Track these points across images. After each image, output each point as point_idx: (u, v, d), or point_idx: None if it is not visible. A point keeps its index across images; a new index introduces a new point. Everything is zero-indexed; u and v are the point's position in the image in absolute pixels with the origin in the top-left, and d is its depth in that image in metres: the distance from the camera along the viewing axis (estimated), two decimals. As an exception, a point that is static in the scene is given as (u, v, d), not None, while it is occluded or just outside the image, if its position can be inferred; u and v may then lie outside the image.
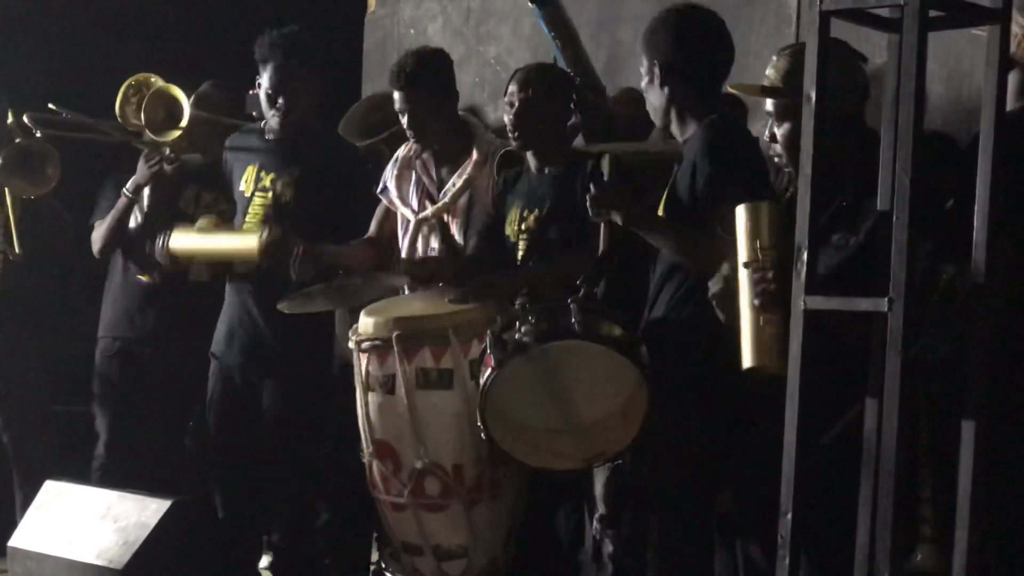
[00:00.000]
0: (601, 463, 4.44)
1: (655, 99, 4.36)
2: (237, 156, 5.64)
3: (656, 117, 4.41)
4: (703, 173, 4.15)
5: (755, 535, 4.13)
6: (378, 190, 5.44)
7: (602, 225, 4.33)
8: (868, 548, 3.36)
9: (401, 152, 5.42)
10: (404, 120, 5.20)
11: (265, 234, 5.33)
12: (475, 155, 5.23)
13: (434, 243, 5.23)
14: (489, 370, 4.19)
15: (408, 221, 5.31)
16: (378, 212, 5.49)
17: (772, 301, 3.62)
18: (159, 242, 5.64)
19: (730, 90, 4.25)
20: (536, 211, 4.92)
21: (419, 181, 5.33)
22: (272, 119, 5.51)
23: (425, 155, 5.33)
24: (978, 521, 3.34)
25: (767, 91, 4.01)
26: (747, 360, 3.69)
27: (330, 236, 5.39)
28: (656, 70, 4.32)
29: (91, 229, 6.09)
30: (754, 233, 3.71)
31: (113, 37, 7.24)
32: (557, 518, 4.98)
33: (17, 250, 6.05)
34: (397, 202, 5.35)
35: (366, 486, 4.82)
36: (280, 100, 5.44)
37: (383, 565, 5.89)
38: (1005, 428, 3.60)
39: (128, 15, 7.45)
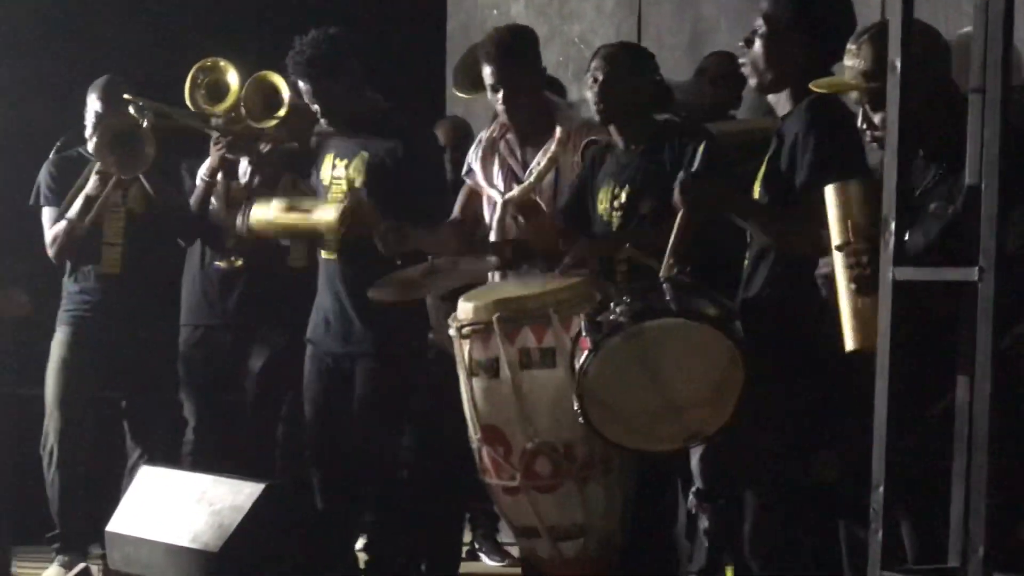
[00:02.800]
0: (699, 443, 4.41)
1: (762, 62, 4.31)
2: (321, 145, 5.69)
3: (756, 78, 4.35)
4: (806, 151, 4.10)
5: (858, 510, 4.08)
6: (463, 172, 5.45)
7: (681, 213, 4.29)
8: (963, 523, 3.32)
9: (484, 134, 5.43)
10: (497, 95, 5.20)
11: (345, 203, 5.34)
12: (558, 132, 5.22)
13: (522, 223, 5.23)
14: (585, 353, 4.16)
15: (495, 202, 5.32)
16: (462, 194, 5.50)
17: (868, 283, 3.58)
18: (239, 218, 5.67)
19: (815, 88, 4.19)
20: (627, 187, 4.90)
21: (504, 162, 5.34)
22: (322, 121, 5.58)
23: (509, 135, 5.33)
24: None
25: (867, 77, 3.94)
26: (849, 343, 3.65)
27: (406, 217, 5.37)
28: (771, 32, 4.27)
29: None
30: (845, 213, 3.66)
31: (191, 26, 7.29)
32: (663, 492, 4.97)
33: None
34: (483, 183, 5.36)
35: (454, 469, 4.81)
36: (316, 108, 5.50)
37: (476, 546, 5.93)
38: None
39: (206, 5, 7.50)
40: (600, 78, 4.90)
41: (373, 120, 5.56)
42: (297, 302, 5.80)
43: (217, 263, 6.08)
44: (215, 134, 5.89)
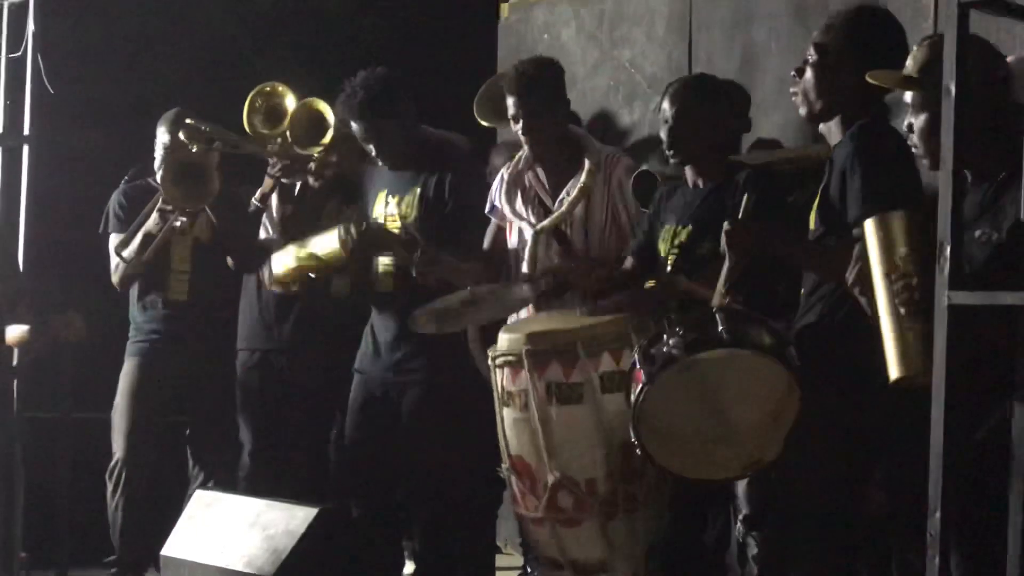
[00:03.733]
0: (758, 470, 4.40)
1: (813, 91, 4.30)
2: (372, 182, 5.74)
3: (806, 107, 4.34)
4: (853, 182, 4.09)
5: (911, 537, 4.06)
6: (486, 210, 5.48)
7: (729, 256, 4.28)
8: (1020, 553, 3.30)
9: (506, 170, 5.45)
10: (518, 126, 5.23)
11: (341, 231, 5.38)
12: (587, 164, 5.24)
13: (553, 254, 5.25)
14: (640, 385, 4.16)
15: (524, 234, 5.34)
16: (490, 230, 5.52)
17: (918, 309, 3.56)
18: (265, 274, 5.76)
19: (871, 79, 4.17)
20: (689, 227, 4.87)
21: (532, 193, 5.36)
22: (376, 160, 5.64)
23: (537, 167, 5.36)
24: None
25: (907, 81, 3.95)
26: (894, 371, 3.63)
27: (446, 246, 5.43)
28: (822, 61, 4.26)
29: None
30: (888, 244, 3.65)
31: (253, 54, 7.35)
32: (706, 525, 4.96)
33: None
34: (511, 217, 5.38)
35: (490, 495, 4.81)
36: (371, 147, 5.56)
37: (528, 570, 5.93)
38: None
39: (264, 28, 7.56)
40: (669, 120, 4.86)
41: (425, 154, 5.60)
42: (349, 328, 5.83)
43: (272, 288, 6.12)
44: (272, 159, 5.95)
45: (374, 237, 5.49)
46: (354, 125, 5.60)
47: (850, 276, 3.86)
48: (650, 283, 4.83)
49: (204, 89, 6.88)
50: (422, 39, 7.54)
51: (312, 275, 5.79)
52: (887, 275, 3.63)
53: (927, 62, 3.87)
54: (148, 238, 6.12)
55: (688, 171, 4.95)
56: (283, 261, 5.73)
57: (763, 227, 4.33)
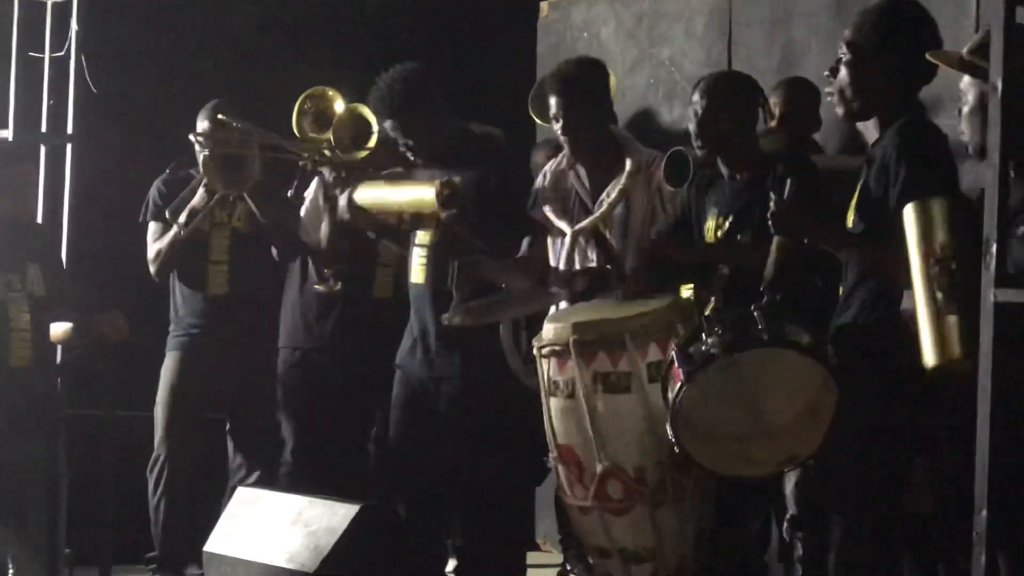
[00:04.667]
0: (793, 467, 4.40)
1: (849, 90, 4.28)
2: (408, 177, 5.74)
3: (843, 107, 4.33)
4: (898, 178, 4.07)
5: (957, 537, 4.05)
6: (529, 207, 5.48)
7: (776, 240, 4.28)
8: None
9: (550, 167, 5.46)
10: (558, 126, 5.24)
11: (439, 184, 5.38)
12: (629, 165, 5.25)
13: (591, 255, 5.25)
14: (679, 384, 4.16)
15: (564, 234, 5.34)
16: (532, 228, 5.51)
17: (956, 295, 3.56)
18: (343, 198, 5.73)
19: (930, 58, 4.14)
20: (731, 217, 4.88)
21: (573, 193, 5.36)
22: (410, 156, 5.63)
23: (579, 167, 5.37)
24: None
25: (961, 64, 3.92)
26: (930, 358, 3.63)
27: (485, 244, 5.42)
28: (856, 59, 4.25)
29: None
30: (927, 230, 3.64)
31: (293, 53, 7.38)
32: (747, 518, 4.96)
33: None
34: (551, 216, 5.38)
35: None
36: (407, 143, 5.56)
37: (568, 567, 5.94)
38: None
39: (303, 28, 7.58)
40: (700, 112, 4.89)
41: (461, 151, 5.61)
42: (390, 326, 5.85)
43: (316, 286, 6.14)
44: (307, 163, 5.97)
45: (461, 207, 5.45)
46: (387, 123, 5.61)
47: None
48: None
49: (243, 89, 6.90)
50: (461, 37, 7.55)
51: (381, 220, 5.77)
52: (925, 260, 3.62)
53: (978, 46, 3.85)
54: (194, 212, 6.15)
55: (722, 165, 4.95)
56: (366, 194, 5.70)
57: (809, 211, 4.32)
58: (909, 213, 3.69)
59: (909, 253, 3.68)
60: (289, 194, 6.08)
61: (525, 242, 5.53)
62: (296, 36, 7.52)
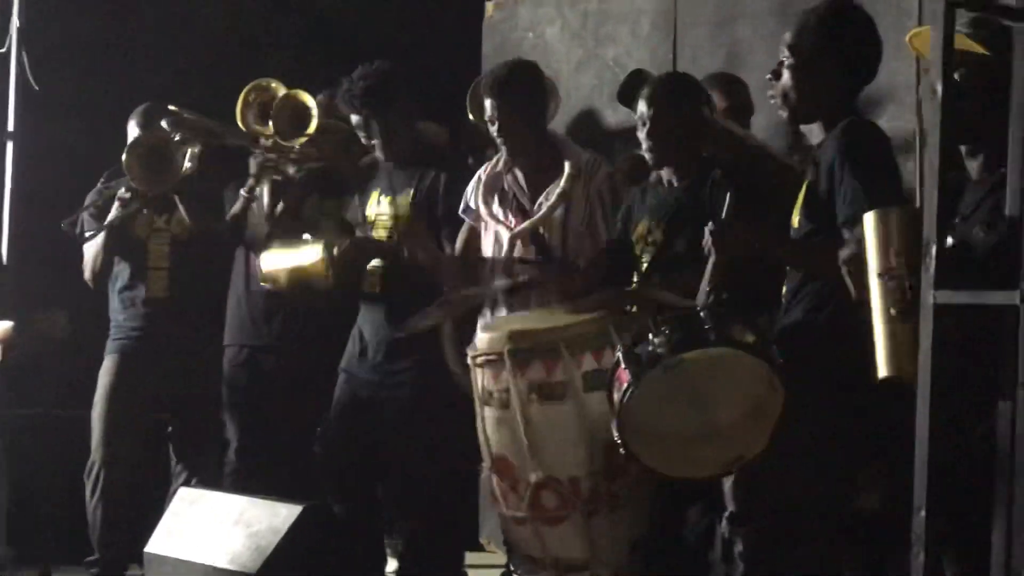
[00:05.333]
0: (741, 467, 4.41)
1: (793, 93, 4.30)
2: (373, 181, 5.74)
3: (787, 110, 4.35)
4: (842, 179, 4.09)
5: (901, 535, 4.07)
6: (460, 210, 5.48)
7: (714, 255, 4.29)
8: (1005, 549, 3.31)
9: (484, 171, 5.45)
10: (494, 128, 5.26)
11: (324, 250, 5.39)
12: (568, 168, 5.24)
13: (529, 257, 5.25)
14: (625, 385, 4.17)
15: (502, 236, 5.34)
16: (462, 233, 5.52)
17: (909, 310, 3.57)
18: (257, 268, 5.76)
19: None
20: (664, 224, 4.89)
21: (511, 196, 5.36)
22: (377, 154, 5.63)
23: (516, 170, 5.36)
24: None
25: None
26: (883, 369, 3.64)
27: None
28: (799, 62, 4.27)
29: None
30: (886, 241, 3.65)
31: (236, 52, 7.34)
32: (686, 522, 4.97)
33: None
34: (488, 219, 5.37)
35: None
36: (376, 143, 5.56)
37: (511, 568, 5.93)
38: None
39: (251, 25, 7.55)
40: (647, 123, 4.88)
41: (425, 154, 5.62)
42: (336, 326, 5.85)
43: (263, 284, 6.12)
44: (258, 152, 5.95)
45: (359, 251, 5.48)
46: (354, 119, 5.60)
47: (844, 254, 3.85)
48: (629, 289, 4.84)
49: (189, 85, 6.86)
50: (407, 38, 7.53)
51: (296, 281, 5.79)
52: (881, 274, 3.63)
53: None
54: (111, 229, 6.11)
55: (666, 170, 4.96)
56: (270, 263, 5.70)
57: (748, 227, 4.34)
58: (869, 222, 3.69)
59: (867, 263, 3.69)
60: (242, 192, 6.04)
61: (458, 244, 5.53)
62: (243, 34, 7.49)
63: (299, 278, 5.65)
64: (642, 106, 4.90)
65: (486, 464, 4.75)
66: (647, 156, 4.94)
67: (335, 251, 5.43)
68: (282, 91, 5.95)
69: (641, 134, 4.91)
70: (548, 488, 4.59)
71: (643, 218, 4.96)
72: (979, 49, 3.74)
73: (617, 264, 5.02)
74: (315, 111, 5.78)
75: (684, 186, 4.90)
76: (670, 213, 4.88)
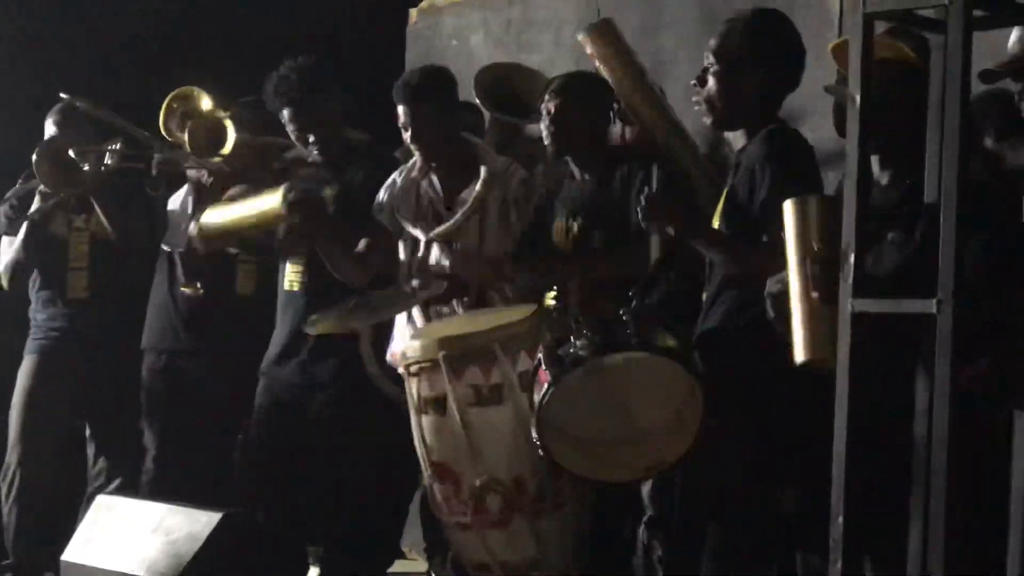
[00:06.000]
0: (661, 471, 4.42)
1: (717, 99, 4.33)
2: (287, 178, 5.70)
3: (712, 116, 4.38)
4: (765, 184, 4.12)
5: (815, 540, 4.10)
6: (374, 211, 5.46)
7: (653, 236, 4.31)
8: (920, 555, 3.34)
9: (399, 175, 5.44)
10: (407, 134, 5.26)
11: (285, 188, 5.34)
12: (484, 173, 5.26)
13: (445, 261, 5.25)
14: (545, 386, 4.17)
15: (418, 241, 5.33)
16: (368, 233, 5.49)
17: (831, 294, 3.60)
18: (191, 226, 5.68)
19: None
20: (580, 219, 4.93)
21: (426, 200, 5.35)
22: (311, 152, 5.59)
23: (432, 175, 5.36)
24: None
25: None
26: (800, 354, 3.67)
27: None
28: (723, 69, 4.29)
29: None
30: (805, 226, 3.69)
31: (158, 56, 7.29)
32: (621, 524, 4.98)
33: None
34: (404, 223, 5.36)
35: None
36: (310, 137, 5.53)
37: (432, 575, 5.92)
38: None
39: (169, 28, 7.49)
40: (551, 111, 4.94)
41: (351, 152, 5.61)
42: (255, 326, 5.82)
43: (183, 289, 6.07)
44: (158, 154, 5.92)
45: (315, 204, 5.43)
46: (286, 113, 5.55)
47: (772, 287, 3.88)
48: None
49: (109, 85, 6.79)
50: (330, 44, 7.49)
51: (239, 238, 5.73)
52: (803, 259, 3.65)
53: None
54: (31, 224, 6.06)
55: (571, 164, 5.01)
56: (214, 218, 5.65)
57: (678, 202, 4.36)
58: (788, 209, 3.72)
59: (786, 249, 3.71)
60: (153, 193, 6.01)
61: (362, 243, 5.49)
62: (161, 37, 7.42)
63: (254, 226, 5.60)
64: (547, 97, 4.97)
65: (425, 472, 4.72)
66: (547, 143, 4.99)
67: (292, 193, 5.36)
68: (205, 99, 5.91)
69: (544, 122, 4.97)
70: (492, 491, 4.57)
71: (560, 214, 5.00)
72: (906, 52, 3.79)
73: (532, 254, 5.03)
74: (231, 132, 5.74)
75: (595, 180, 4.95)
76: (585, 207, 4.93)
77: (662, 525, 4.79)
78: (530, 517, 4.59)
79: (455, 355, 4.56)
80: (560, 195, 5.07)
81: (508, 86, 5.85)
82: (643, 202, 4.25)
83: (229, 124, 5.74)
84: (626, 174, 4.85)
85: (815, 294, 3.58)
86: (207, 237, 5.67)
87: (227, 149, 5.75)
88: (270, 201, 5.39)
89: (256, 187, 5.63)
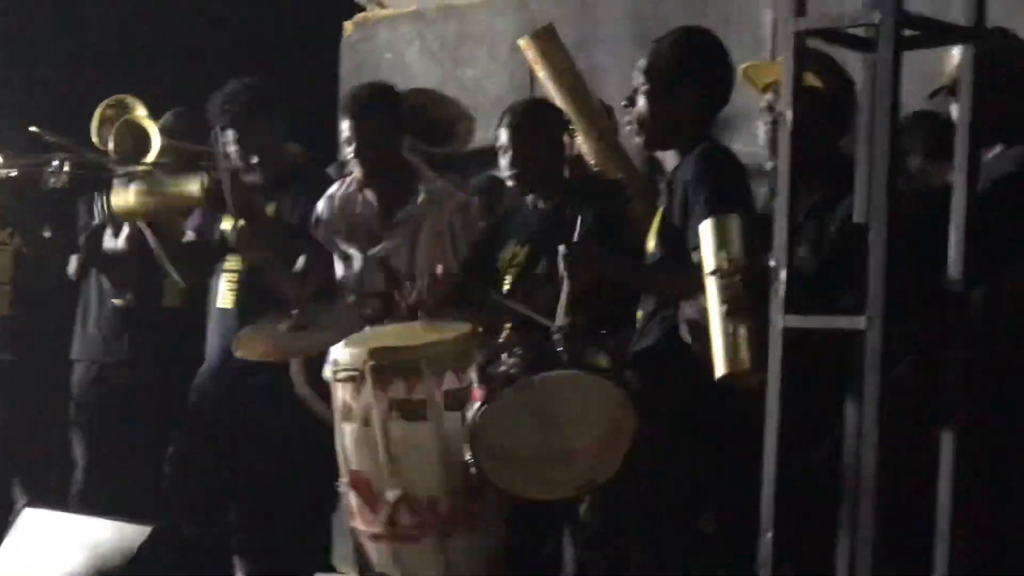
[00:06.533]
0: (592, 490, 4.43)
1: (648, 119, 4.34)
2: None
3: (643, 135, 4.39)
4: (696, 204, 4.14)
5: (738, 557, 4.12)
6: (311, 227, 5.45)
7: (567, 279, 4.32)
8: (848, 572, 3.36)
9: (337, 190, 5.42)
10: (350, 149, 5.23)
11: (205, 178, 5.32)
12: (423, 194, 5.25)
13: (380, 281, 5.24)
14: (477, 404, 4.17)
15: (353, 258, 5.32)
16: (307, 249, 5.47)
17: (739, 308, 3.63)
18: (98, 203, 5.64)
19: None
20: (528, 246, 4.91)
21: (362, 218, 5.34)
22: (249, 175, 5.56)
23: (368, 192, 5.34)
24: (955, 535, 3.33)
25: None
26: (719, 368, 3.70)
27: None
28: (653, 88, 4.31)
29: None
30: (721, 244, 3.73)
31: (95, 62, 7.24)
32: (544, 543, 4.98)
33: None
34: (339, 240, 5.35)
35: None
36: (252, 159, 5.51)
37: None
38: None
39: (102, 42, 7.45)
40: (508, 147, 4.90)
41: (289, 170, 5.61)
42: (182, 338, 5.80)
43: (113, 300, 6.03)
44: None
45: (244, 190, 5.40)
46: (229, 134, 5.52)
47: (688, 312, 3.92)
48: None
49: (41, 100, 6.75)
50: (264, 56, 7.47)
51: (151, 216, 5.68)
52: (713, 273, 3.69)
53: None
54: None
55: (530, 194, 4.99)
56: (124, 197, 5.62)
57: (600, 251, 4.37)
58: (706, 227, 3.76)
59: (704, 266, 3.75)
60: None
61: (301, 260, 5.48)
62: (94, 50, 7.38)
63: (168, 205, 5.55)
64: (503, 134, 4.92)
65: (343, 479, 4.72)
66: (510, 183, 4.96)
67: (211, 184, 5.33)
68: (139, 107, 5.87)
69: (503, 161, 4.93)
70: (406, 506, 4.56)
71: (511, 240, 4.98)
72: (815, 82, 3.83)
73: (472, 284, 5.03)
74: (156, 138, 5.70)
75: (548, 208, 4.93)
76: (534, 235, 4.90)
77: (598, 543, 4.79)
78: (441, 536, 4.58)
79: (381, 367, 4.55)
80: (512, 222, 5.04)
81: (424, 115, 5.85)
82: (562, 251, 4.26)
83: (154, 130, 5.70)
84: (577, 206, 4.83)
85: (723, 308, 3.63)
86: (118, 217, 5.63)
87: (151, 156, 5.70)
88: (189, 185, 5.37)
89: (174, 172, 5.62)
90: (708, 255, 3.75)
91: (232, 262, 5.58)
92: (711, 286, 3.72)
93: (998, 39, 3.98)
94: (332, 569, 6.63)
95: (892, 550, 3.38)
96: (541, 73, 5.15)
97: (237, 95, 5.50)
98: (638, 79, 4.34)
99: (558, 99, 5.07)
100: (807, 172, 3.82)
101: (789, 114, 3.40)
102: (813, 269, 3.80)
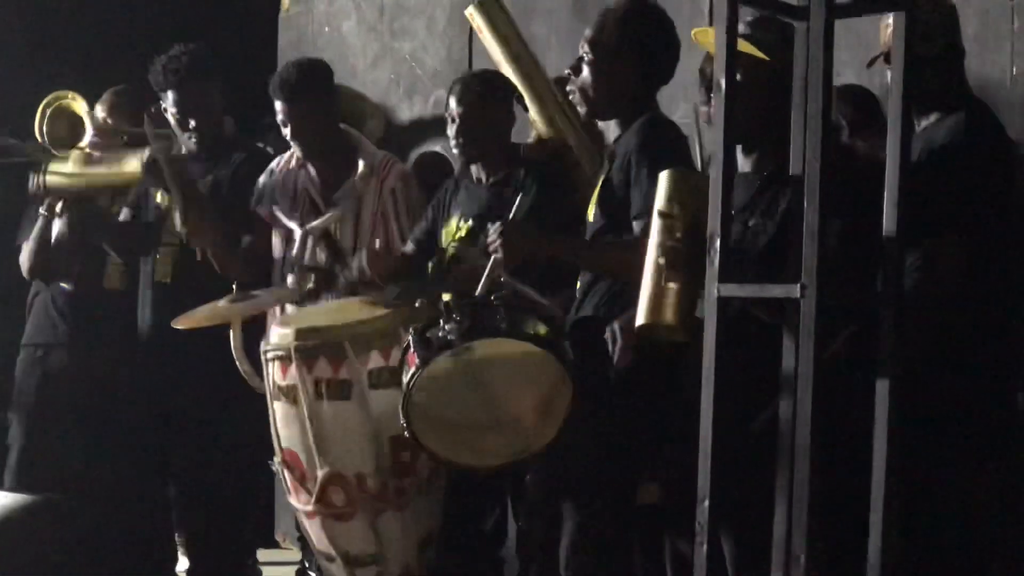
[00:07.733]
0: (527, 458, 4.43)
1: (591, 89, 4.34)
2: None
3: (587, 105, 4.39)
4: (637, 174, 4.15)
5: (682, 527, 4.13)
6: (252, 203, 5.43)
7: (493, 257, 4.32)
8: (785, 536, 3.37)
9: (278, 165, 5.41)
10: (287, 130, 5.21)
11: (144, 154, 5.28)
12: (361, 166, 5.23)
13: (320, 255, 5.22)
14: (413, 368, 4.16)
15: (293, 233, 5.30)
16: (253, 226, 5.48)
17: (676, 260, 3.65)
18: (33, 180, 5.61)
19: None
20: (471, 221, 4.90)
21: (304, 193, 5.32)
22: (188, 140, 5.52)
23: (308, 167, 5.32)
24: (891, 517, 3.34)
25: None
26: (641, 317, 3.72)
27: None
28: (598, 59, 4.31)
29: (18, 249, 6.06)
30: (674, 192, 3.74)
31: (28, 50, 7.17)
32: (482, 518, 4.98)
33: None
34: (280, 215, 5.33)
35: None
36: (191, 122, 5.48)
37: (306, 564, 5.91)
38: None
39: (37, 22, 7.37)
40: (456, 119, 4.89)
41: (224, 142, 5.59)
42: (123, 320, 5.77)
43: (63, 284, 5.99)
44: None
45: (176, 167, 5.37)
46: (170, 95, 5.50)
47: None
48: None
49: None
50: (201, 30, 7.41)
51: (86, 193, 5.66)
52: (661, 215, 3.71)
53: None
54: None
55: (477, 167, 4.97)
56: (61, 170, 5.58)
57: (533, 230, 4.38)
58: (663, 179, 3.79)
59: (653, 210, 3.78)
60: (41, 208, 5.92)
61: (246, 239, 5.47)
62: (29, 31, 7.29)
63: (105, 183, 5.54)
64: (452, 103, 4.91)
65: (276, 458, 4.72)
66: (457, 152, 4.95)
67: (152, 157, 5.31)
68: (80, 102, 5.83)
69: (451, 130, 4.92)
70: (335, 484, 4.59)
71: (454, 214, 4.97)
72: (757, 53, 3.83)
73: (421, 256, 5.02)
74: (88, 123, 5.66)
75: (493, 182, 4.92)
76: (478, 210, 4.90)
77: (543, 511, 4.79)
78: (371, 514, 4.62)
79: (307, 346, 4.57)
80: (457, 197, 5.03)
81: None
82: (495, 229, 4.28)
83: (87, 117, 5.66)
84: (520, 179, 4.83)
85: (662, 260, 3.65)
86: (54, 190, 5.59)
87: (84, 142, 5.66)
88: (127, 164, 5.33)
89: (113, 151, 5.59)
90: (660, 201, 3.77)
91: (171, 236, 5.54)
92: (654, 230, 3.73)
93: (929, 8, 4.00)
94: (275, 545, 6.63)
95: (829, 516, 3.40)
96: (487, 42, 5.13)
97: (178, 57, 5.48)
98: (583, 48, 4.35)
99: (505, 68, 5.06)
100: (760, 142, 3.85)
101: (723, 81, 3.40)
102: (767, 239, 3.80)
